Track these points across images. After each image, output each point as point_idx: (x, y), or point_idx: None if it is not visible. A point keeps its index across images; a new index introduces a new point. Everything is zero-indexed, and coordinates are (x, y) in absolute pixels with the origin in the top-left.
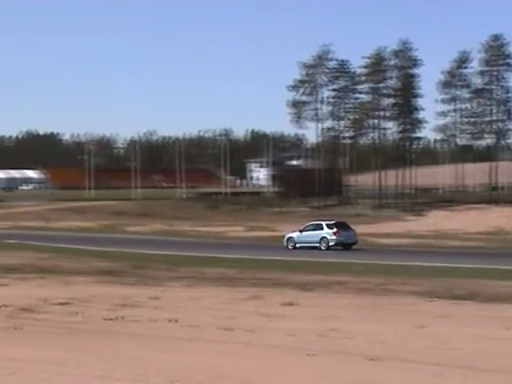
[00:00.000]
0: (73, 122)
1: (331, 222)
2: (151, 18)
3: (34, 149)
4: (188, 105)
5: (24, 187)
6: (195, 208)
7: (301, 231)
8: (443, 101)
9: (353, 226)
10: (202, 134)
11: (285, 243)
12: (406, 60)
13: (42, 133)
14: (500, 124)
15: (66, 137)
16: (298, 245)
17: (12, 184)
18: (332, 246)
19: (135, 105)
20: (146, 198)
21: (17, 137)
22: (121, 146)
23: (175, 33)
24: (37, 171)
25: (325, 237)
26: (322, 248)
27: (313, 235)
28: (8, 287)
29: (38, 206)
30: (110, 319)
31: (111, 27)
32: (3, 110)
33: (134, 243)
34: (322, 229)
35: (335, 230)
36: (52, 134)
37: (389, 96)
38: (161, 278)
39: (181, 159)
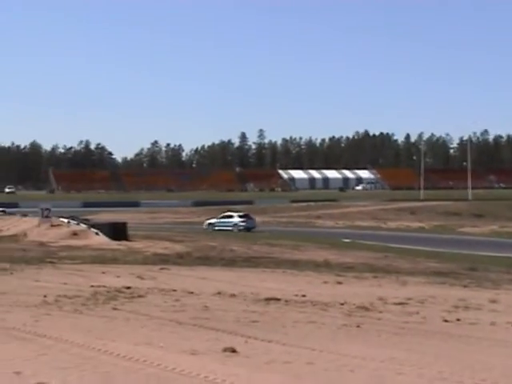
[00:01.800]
0: (406, 122)
1: (240, 214)
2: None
3: (367, 149)
4: None
5: (359, 187)
6: None
7: (218, 219)
8: None
9: None
10: None
11: (205, 226)
12: None
13: (374, 133)
14: None
15: (399, 137)
16: (216, 228)
17: (346, 184)
18: (240, 229)
19: (467, 104)
20: (480, 198)
21: (348, 137)
22: (454, 146)
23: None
24: (369, 171)
25: (236, 223)
26: (235, 231)
27: (227, 222)
28: (344, 285)
29: (371, 206)
30: (447, 321)
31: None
32: (339, 110)
33: (466, 244)
34: (234, 217)
35: (243, 218)
36: (385, 134)
37: None
38: (497, 281)
39: None
